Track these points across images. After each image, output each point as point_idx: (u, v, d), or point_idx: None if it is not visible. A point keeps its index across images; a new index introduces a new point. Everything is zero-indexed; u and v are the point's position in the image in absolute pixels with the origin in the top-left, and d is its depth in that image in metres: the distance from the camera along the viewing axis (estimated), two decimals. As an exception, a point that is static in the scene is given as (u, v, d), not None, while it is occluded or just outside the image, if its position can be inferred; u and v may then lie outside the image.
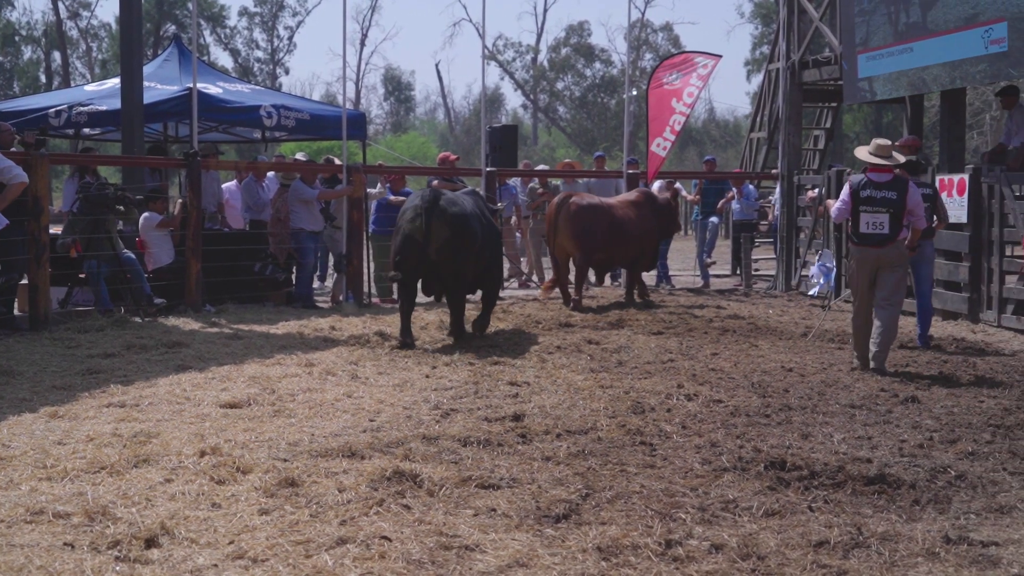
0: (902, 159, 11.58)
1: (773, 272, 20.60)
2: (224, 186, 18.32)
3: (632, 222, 16.65)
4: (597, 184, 19.97)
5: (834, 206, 11.80)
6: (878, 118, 55.40)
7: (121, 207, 14.62)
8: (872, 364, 11.20)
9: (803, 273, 19.10)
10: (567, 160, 28.53)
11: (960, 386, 10.43)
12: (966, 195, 14.64)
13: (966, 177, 14.73)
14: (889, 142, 11.59)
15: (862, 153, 11.57)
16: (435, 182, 17.94)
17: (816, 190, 18.80)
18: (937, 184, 13.98)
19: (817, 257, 14.76)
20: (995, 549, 5.78)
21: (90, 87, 21.29)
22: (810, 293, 15.72)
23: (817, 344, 12.98)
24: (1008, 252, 14.78)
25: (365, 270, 16.88)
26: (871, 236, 11.22)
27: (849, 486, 6.88)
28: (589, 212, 16.25)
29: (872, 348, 11.27)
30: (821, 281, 14.09)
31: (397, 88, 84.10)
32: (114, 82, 18.62)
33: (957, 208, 14.61)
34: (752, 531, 6.03)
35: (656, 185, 19.50)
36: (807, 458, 7.45)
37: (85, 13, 76.96)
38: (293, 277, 16.61)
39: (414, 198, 13.07)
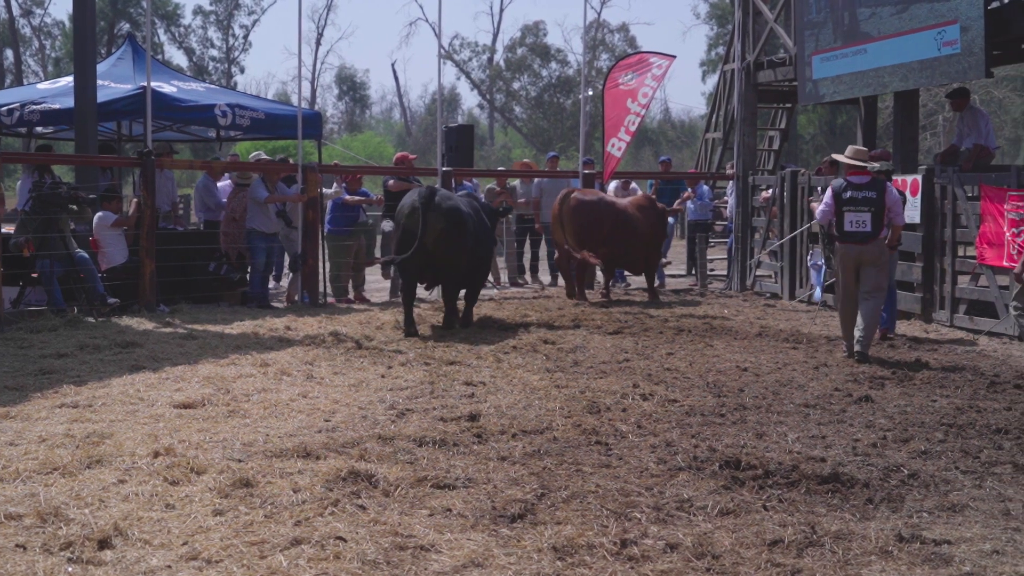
0: (876, 165, 12.37)
1: (728, 272, 20.69)
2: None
3: (639, 221, 17.22)
4: (550, 184, 20.02)
5: (818, 208, 12.55)
6: (832, 119, 55.72)
7: (74, 206, 14.52)
8: (856, 348, 11.98)
9: (758, 273, 19.19)
10: (524, 160, 28.54)
11: (913, 385, 10.50)
12: (919, 196, 14.75)
13: (919, 178, 14.84)
14: (865, 148, 12.58)
15: (841, 157, 12.46)
16: (391, 182, 17.91)
17: (770, 190, 18.89)
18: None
19: (809, 257, 15.08)
20: (947, 547, 5.83)
21: (43, 85, 21.08)
22: (815, 299, 15.92)
23: (772, 344, 13.04)
24: (961, 252, 14.92)
25: (321, 270, 16.82)
26: (855, 234, 12.02)
27: (803, 485, 6.92)
28: (591, 207, 16.91)
29: (856, 334, 12.05)
30: (816, 283, 14.52)
31: (351, 87, 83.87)
32: (67, 80, 18.47)
33: (910, 209, 14.70)
34: (707, 530, 6.05)
35: (611, 186, 19.55)
36: (762, 457, 7.49)
37: (38, 11, 76.48)
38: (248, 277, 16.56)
39: (411, 194, 13.89)
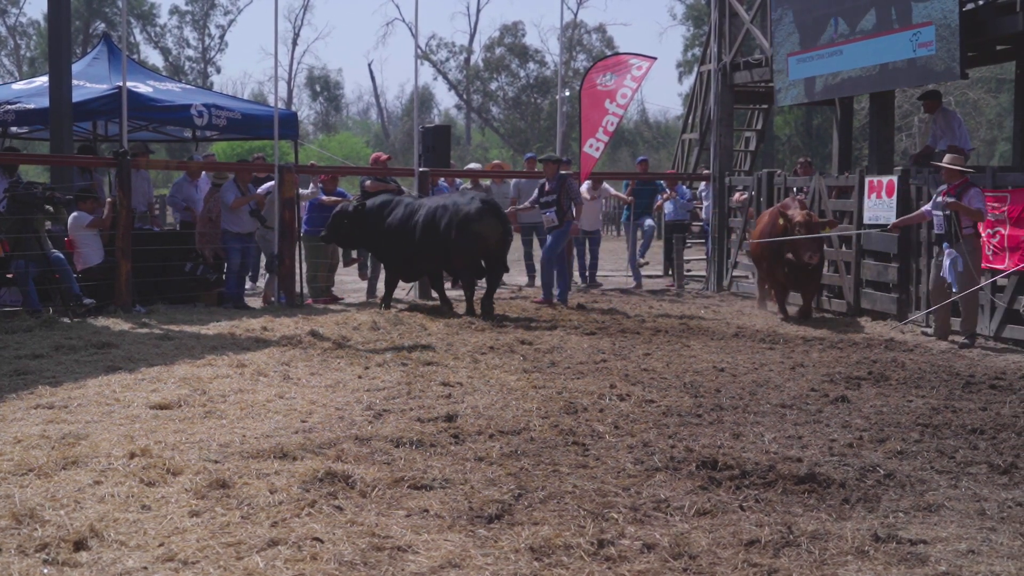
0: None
1: (705, 272, 20.73)
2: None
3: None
4: (527, 185, 20.03)
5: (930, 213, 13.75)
6: (808, 120, 55.85)
7: (50, 207, 14.45)
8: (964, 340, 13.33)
9: (734, 274, 19.24)
10: (496, 161, 28.56)
11: (889, 386, 10.53)
12: (895, 196, 14.79)
13: (895, 179, 14.89)
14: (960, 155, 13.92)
15: (943, 164, 13.62)
16: (368, 182, 17.89)
17: (746, 192, 18.93)
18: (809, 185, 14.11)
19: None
20: (923, 547, 5.84)
21: (18, 85, 20.98)
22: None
23: (748, 344, 13.07)
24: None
25: (297, 270, 16.78)
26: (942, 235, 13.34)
27: (780, 485, 6.93)
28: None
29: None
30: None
31: (325, 87, 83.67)
32: (43, 80, 18.40)
33: (886, 209, 14.76)
34: (684, 530, 6.05)
35: (584, 186, 19.57)
36: (738, 457, 7.49)
37: (13, 10, 76.19)
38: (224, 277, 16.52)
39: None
